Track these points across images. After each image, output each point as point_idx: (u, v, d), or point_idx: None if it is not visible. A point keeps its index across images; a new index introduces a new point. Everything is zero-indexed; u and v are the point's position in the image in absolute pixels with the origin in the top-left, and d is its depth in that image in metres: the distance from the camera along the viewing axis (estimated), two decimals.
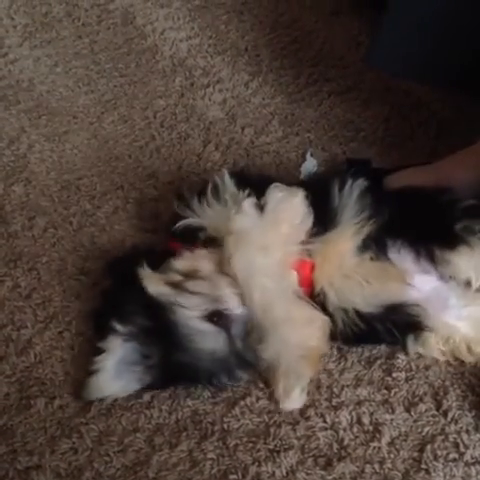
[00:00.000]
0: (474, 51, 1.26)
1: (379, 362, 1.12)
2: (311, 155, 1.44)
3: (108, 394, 1.07)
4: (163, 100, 1.57)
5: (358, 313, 1.07)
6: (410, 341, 1.10)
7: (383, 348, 1.13)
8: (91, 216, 1.34)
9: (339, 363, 1.12)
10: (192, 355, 1.03)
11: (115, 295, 1.09)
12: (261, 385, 1.10)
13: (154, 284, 1.04)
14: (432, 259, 1.08)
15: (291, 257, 1.07)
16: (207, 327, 1.03)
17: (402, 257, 1.08)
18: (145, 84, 1.60)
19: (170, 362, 1.04)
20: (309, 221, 1.07)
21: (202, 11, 1.76)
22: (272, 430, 1.05)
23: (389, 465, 1.01)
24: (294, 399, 1.07)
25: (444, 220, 1.09)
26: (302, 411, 1.07)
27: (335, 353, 1.13)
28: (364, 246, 1.08)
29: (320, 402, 1.08)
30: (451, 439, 1.03)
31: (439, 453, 1.01)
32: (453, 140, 1.42)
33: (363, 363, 1.12)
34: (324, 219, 1.08)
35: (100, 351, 1.05)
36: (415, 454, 1.02)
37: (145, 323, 1.04)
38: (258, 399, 1.09)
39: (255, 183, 1.12)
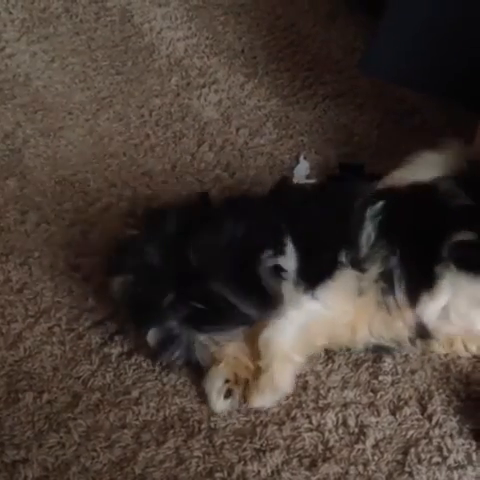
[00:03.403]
0: (468, 61, 1.26)
1: (366, 365, 1.12)
2: (304, 158, 1.45)
3: None
4: (159, 99, 1.57)
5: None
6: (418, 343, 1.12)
7: (370, 351, 1.14)
8: (84, 212, 1.35)
9: (326, 365, 1.13)
10: None
11: None
12: None
13: None
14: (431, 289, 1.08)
15: None
16: None
17: (407, 295, 1.09)
18: (141, 82, 1.61)
19: None
20: None
21: (200, 11, 1.77)
22: (258, 430, 1.06)
23: (373, 467, 1.02)
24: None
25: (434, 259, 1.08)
26: (288, 412, 1.07)
27: (322, 355, 1.13)
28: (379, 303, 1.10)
29: (306, 403, 1.08)
30: (435, 443, 1.04)
31: (423, 456, 1.02)
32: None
33: (350, 366, 1.13)
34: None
35: None
36: (399, 457, 1.03)
37: None
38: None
39: None
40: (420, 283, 1.08)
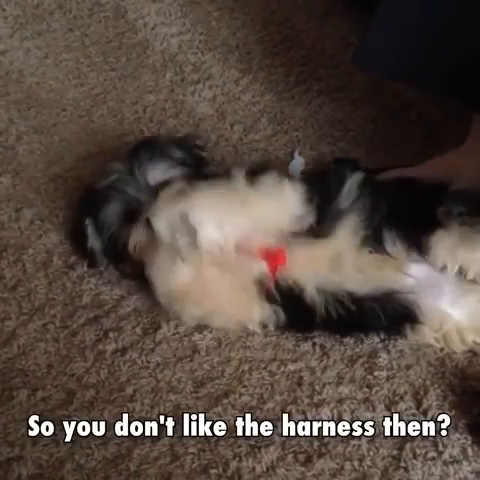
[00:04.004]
0: (462, 57, 1.26)
1: (361, 361, 1.12)
2: (299, 154, 1.44)
3: None
4: (153, 95, 1.57)
5: (349, 295, 1.09)
6: (408, 330, 1.11)
7: (365, 347, 1.14)
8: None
9: (321, 361, 1.13)
10: None
11: None
12: (244, 382, 1.10)
13: None
14: (420, 248, 1.09)
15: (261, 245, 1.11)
16: None
17: (398, 249, 1.09)
18: (135, 79, 1.61)
19: None
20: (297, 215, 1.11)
21: (194, 7, 1.76)
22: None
23: (368, 462, 1.01)
24: None
25: (429, 206, 1.10)
26: (283, 408, 1.07)
27: (317, 351, 1.13)
28: (363, 241, 1.10)
29: (302, 399, 1.08)
30: (430, 438, 1.04)
31: (418, 451, 1.02)
32: (440, 141, 1.43)
33: (345, 361, 1.12)
34: (323, 216, 1.11)
35: None
36: (394, 452, 1.02)
37: None
38: (241, 395, 1.09)
39: None
40: (415, 234, 1.09)
